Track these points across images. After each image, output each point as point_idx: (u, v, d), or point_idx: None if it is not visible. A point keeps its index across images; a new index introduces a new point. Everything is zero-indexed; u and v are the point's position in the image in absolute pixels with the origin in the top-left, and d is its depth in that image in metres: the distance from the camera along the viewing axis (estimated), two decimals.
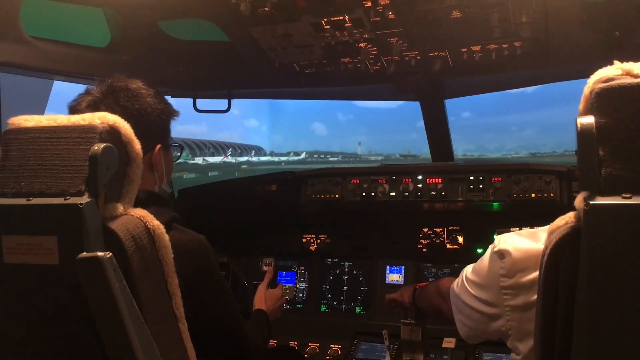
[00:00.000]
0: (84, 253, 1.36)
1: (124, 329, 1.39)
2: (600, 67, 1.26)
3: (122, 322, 1.38)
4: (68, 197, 1.40)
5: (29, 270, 1.45)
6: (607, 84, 1.19)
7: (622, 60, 1.26)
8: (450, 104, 3.55)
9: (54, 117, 1.53)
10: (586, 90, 1.24)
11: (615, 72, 1.22)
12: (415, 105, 3.50)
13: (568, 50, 2.57)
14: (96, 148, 1.41)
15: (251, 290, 2.66)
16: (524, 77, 3.15)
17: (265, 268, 3.54)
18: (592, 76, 1.24)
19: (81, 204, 1.37)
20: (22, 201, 1.44)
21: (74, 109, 1.85)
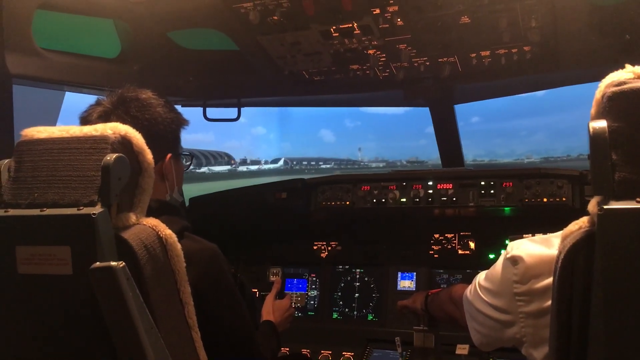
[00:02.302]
0: (97, 263, 1.37)
1: (137, 338, 1.39)
2: (610, 70, 1.26)
3: (135, 331, 1.39)
4: (81, 208, 1.41)
5: (42, 281, 1.46)
6: (619, 87, 1.18)
7: (633, 64, 1.26)
8: (459, 109, 3.56)
9: (66, 128, 1.54)
10: (598, 94, 1.23)
11: (627, 75, 1.22)
12: (424, 111, 3.50)
13: (578, 54, 2.56)
14: (108, 158, 1.41)
15: (260, 301, 2.64)
16: (534, 81, 3.15)
17: (272, 278, 3.53)
18: (603, 80, 1.24)
19: (94, 214, 1.38)
20: (35, 212, 1.45)
21: (85, 120, 1.86)
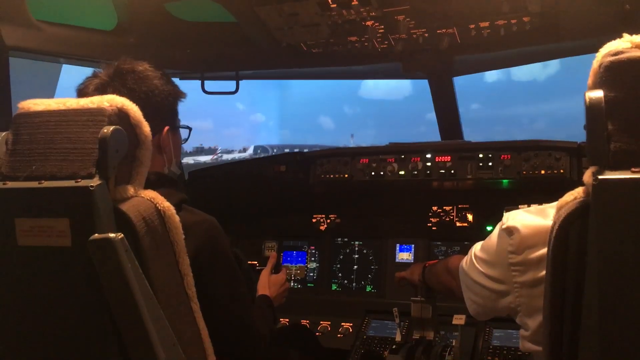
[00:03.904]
0: (96, 235, 1.38)
1: (136, 309, 1.41)
2: (609, 41, 1.25)
3: (134, 303, 1.40)
4: (79, 180, 1.42)
5: (42, 252, 1.48)
6: (616, 57, 1.18)
7: (632, 34, 1.25)
8: (459, 95, 3.53)
9: (63, 101, 1.54)
10: (595, 64, 1.23)
11: (624, 45, 1.21)
12: (424, 96, 3.48)
13: (578, 24, 2.54)
14: (105, 131, 1.42)
15: (255, 276, 2.65)
16: (533, 52, 3.12)
17: (267, 253, 3.55)
18: (601, 49, 1.23)
19: (92, 186, 1.39)
20: (34, 184, 1.45)
21: (82, 92, 1.85)
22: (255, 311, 2.17)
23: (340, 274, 3.48)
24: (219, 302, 1.85)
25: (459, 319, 2.57)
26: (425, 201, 3.37)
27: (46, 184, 1.45)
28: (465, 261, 1.77)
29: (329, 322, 3.29)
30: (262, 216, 3.64)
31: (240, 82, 3.53)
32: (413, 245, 3.36)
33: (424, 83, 3.47)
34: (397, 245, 3.39)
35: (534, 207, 1.57)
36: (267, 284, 2.51)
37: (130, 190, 1.51)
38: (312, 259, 3.56)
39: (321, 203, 3.57)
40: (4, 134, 1.56)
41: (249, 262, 2.74)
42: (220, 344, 1.78)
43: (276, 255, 2.85)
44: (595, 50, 1.26)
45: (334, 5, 2.53)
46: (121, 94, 1.59)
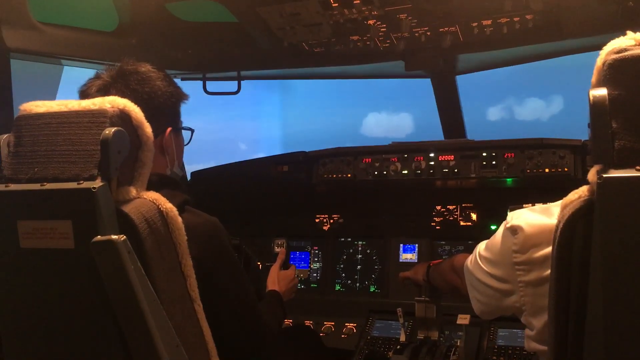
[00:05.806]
0: (99, 237, 1.38)
1: (139, 311, 1.40)
2: (613, 38, 1.25)
3: (137, 304, 1.40)
4: (81, 182, 1.42)
5: (45, 255, 1.47)
6: (620, 54, 1.17)
7: (635, 31, 1.24)
8: None
9: (65, 103, 1.54)
10: (599, 61, 1.22)
11: (628, 42, 1.21)
12: (426, 134, 3.49)
13: (581, 22, 2.53)
14: (107, 132, 1.41)
15: (264, 272, 2.66)
16: (537, 51, 3.11)
17: (277, 249, 3.55)
18: (604, 47, 1.23)
19: (94, 188, 1.39)
20: (36, 186, 1.45)
21: (84, 94, 1.85)
22: (265, 306, 2.18)
23: (343, 274, 3.48)
24: (225, 303, 1.85)
25: (463, 319, 2.57)
26: (429, 200, 3.36)
27: (48, 186, 1.44)
28: (470, 260, 1.76)
29: (333, 323, 3.29)
30: (265, 217, 3.64)
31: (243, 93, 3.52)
32: (417, 245, 3.36)
33: (426, 120, 3.49)
34: (401, 245, 3.38)
35: (538, 205, 1.56)
36: (276, 279, 2.53)
37: (133, 191, 1.51)
38: (316, 259, 3.56)
39: (324, 203, 3.56)
40: (5, 136, 1.55)
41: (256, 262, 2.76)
42: (227, 344, 1.78)
43: (285, 252, 2.87)
44: (599, 48, 1.26)
45: (336, 5, 2.52)
46: (124, 95, 1.59)
